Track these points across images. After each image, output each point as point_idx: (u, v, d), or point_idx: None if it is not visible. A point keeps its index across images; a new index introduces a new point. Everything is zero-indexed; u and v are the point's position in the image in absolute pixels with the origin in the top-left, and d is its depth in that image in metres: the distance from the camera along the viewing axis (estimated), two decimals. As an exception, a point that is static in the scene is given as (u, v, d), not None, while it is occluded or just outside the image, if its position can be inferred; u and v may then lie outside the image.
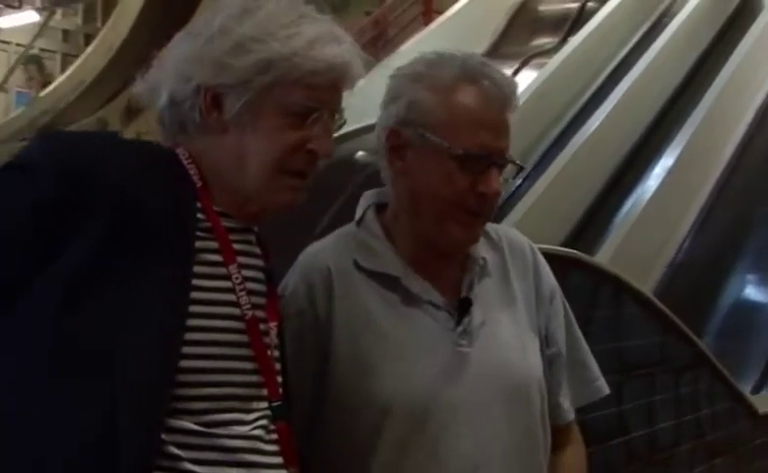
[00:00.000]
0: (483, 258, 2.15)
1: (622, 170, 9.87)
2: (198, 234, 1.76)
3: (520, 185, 9.01)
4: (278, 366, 1.87)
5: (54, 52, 19.39)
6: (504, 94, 2.07)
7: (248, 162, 1.80)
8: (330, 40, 1.83)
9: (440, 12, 15.84)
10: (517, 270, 2.20)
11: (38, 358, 1.62)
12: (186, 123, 1.82)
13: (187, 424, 1.67)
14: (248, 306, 1.79)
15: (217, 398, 1.71)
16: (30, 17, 19.02)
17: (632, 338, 4.72)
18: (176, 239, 1.73)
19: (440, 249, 2.11)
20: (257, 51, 1.77)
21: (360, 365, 2.01)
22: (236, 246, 1.82)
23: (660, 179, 9.02)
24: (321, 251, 2.13)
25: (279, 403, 1.82)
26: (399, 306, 2.06)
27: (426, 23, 15.67)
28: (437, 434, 2.00)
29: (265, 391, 1.80)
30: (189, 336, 1.69)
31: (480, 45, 15.08)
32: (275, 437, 1.81)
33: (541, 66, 11.92)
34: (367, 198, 2.19)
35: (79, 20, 20.05)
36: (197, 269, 1.73)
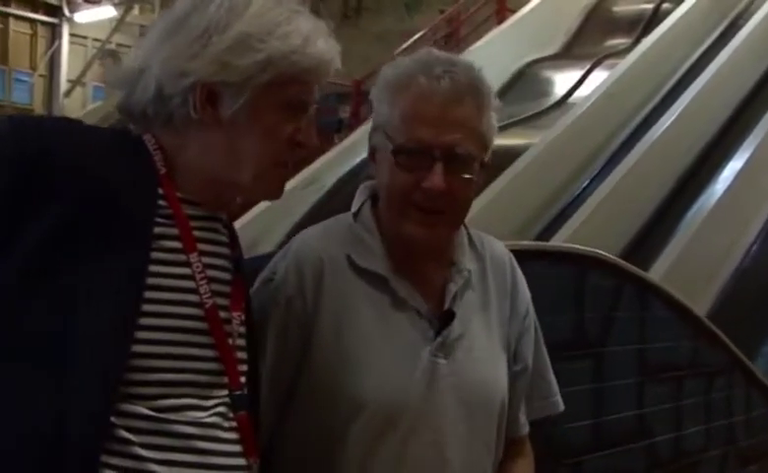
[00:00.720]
0: (469, 270, 2.15)
1: (691, 173, 9.76)
2: (157, 220, 1.76)
3: (587, 186, 9.01)
4: (242, 354, 1.86)
5: (131, 47, 19.60)
6: (449, 88, 2.03)
7: (243, 156, 1.81)
8: (320, 36, 1.85)
9: (514, 11, 15.77)
10: (497, 283, 2.20)
11: None
12: (173, 117, 1.80)
13: (139, 408, 1.67)
14: (208, 295, 1.78)
15: (172, 384, 1.71)
16: (107, 12, 19.31)
17: (658, 340, 4.63)
18: (134, 225, 1.72)
19: (413, 250, 2.09)
20: (259, 50, 1.78)
21: (340, 359, 2.01)
22: (198, 234, 1.81)
23: (729, 183, 8.94)
24: (314, 240, 2.11)
25: (239, 392, 1.81)
26: (384, 308, 2.05)
27: (500, 22, 15.61)
28: (404, 437, 2.01)
29: (226, 379, 1.80)
30: (144, 321, 1.68)
31: (552, 45, 15.06)
32: (234, 424, 1.80)
33: (613, 67, 11.84)
34: (364, 190, 2.18)
35: (156, 15, 20.23)
36: (155, 255, 1.73)
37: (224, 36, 1.77)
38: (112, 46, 19.40)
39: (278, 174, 1.87)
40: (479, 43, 14.13)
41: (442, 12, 17.22)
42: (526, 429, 2.29)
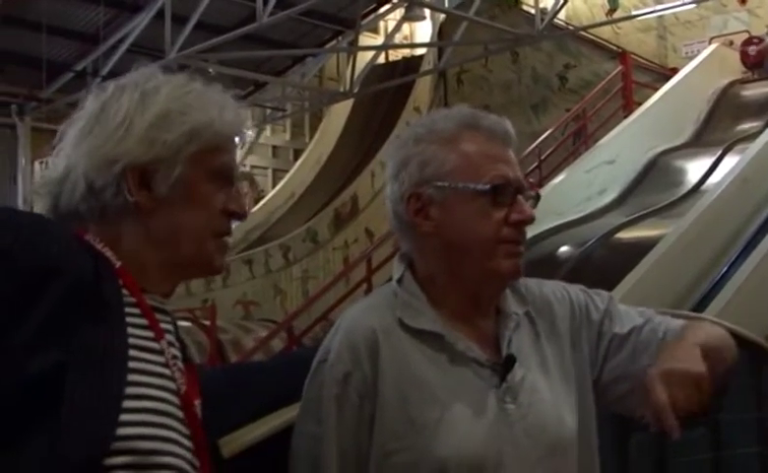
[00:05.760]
0: (516, 313, 2.16)
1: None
2: (126, 310, 1.77)
3: (727, 271, 8.92)
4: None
5: (265, 168, 19.94)
6: (504, 129, 2.14)
7: (182, 232, 1.85)
8: (232, 106, 1.92)
9: (641, 103, 15.76)
10: (543, 322, 2.20)
11: None
12: (107, 210, 1.83)
13: None
14: (182, 381, 1.81)
15: (155, 467, 1.71)
16: (241, 135, 19.72)
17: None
18: (111, 312, 1.74)
19: (487, 295, 2.13)
20: (183, 122, 1.83)
21: (411, 425, 2.00)
22: (161, 325, 1.83)
23: None
24: (363, 313, 2.13)
25: None
26: (444, 365, 2.06)
27: (627, 115, 15.60)
28: None
29: (198, 464, 1.81)
30: (127, 404, 1.68)
31: (682, 134, 14.98)
32: None
33: (744, 151, 11.73)
34: (401, 260, 2.20)
35: (287, 136, 20.65)
36: (131, 341, 1.74)
37: (145, 116, 1.82)
38: (246, 169, 19.80)
39: (217, 246, 1.91)
40: (608, 137, 14.13)
41: (568, 110, 17.29)
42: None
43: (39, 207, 1.92)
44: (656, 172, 13.76)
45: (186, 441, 1.79)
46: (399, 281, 2.16)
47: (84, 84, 15.29)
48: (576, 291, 2.29)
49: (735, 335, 4.06)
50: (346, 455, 2.02)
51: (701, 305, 8.34)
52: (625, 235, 11.34)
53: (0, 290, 1.64)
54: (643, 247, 9.20)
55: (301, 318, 13.22)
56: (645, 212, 12.09)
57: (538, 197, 2.18)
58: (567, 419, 2.12)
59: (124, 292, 1.79)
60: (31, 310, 1.64)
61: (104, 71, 15.00)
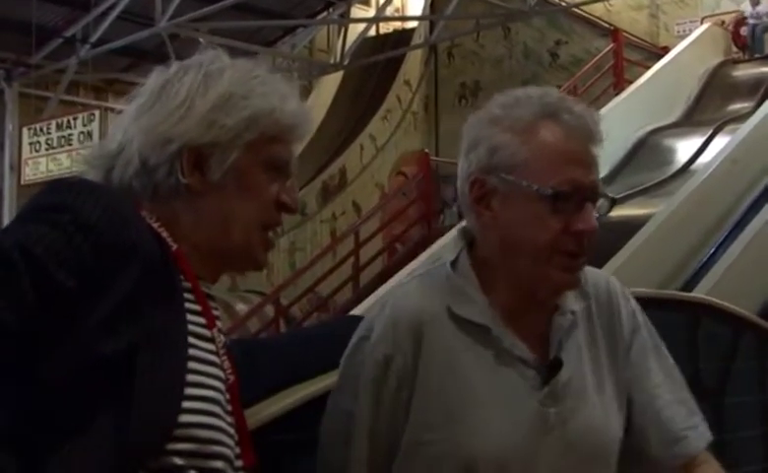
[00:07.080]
0: (573, 312, 2.02)
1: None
2: (184, 295, 1.76)
3: (715, 252, 8.93)
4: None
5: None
6: (587, 124, 1.95)
7: (232, 219, 1.82)
8: (295, 96, 1.88)
9: (632, 81, 15.74)
10: (602, 318, 2.08)
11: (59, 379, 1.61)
12: (159, 188, 1.80)
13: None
14: (230, 371, 1.79)
15: (205, 456, 1.70)
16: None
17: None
18: (172, 297, 1.73)
19: (538, 298, 2.00)
20: (244, 107, 1.80)
21: (447, 416, 1.93)
22: (212, 312, 1.82)
23: None
24: (411, 297, 2.02)
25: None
26: (488, 359, 1.95)
27: (618, 93, 15.58)
28: None
29: (240, 454, 1.80)
30: (187, 391, 1.68)
31: (673, 113, 14.98)
32: None
33: (735, 132, 11.74)
34: (460, 237, 2.07)
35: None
36: (189, 327, 1.73)
37: (207, 98, 1.80)
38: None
39: (264, 239, 1.88)
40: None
41: (559, 87, 17.26)
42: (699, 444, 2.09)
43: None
44: (646, 151, 13.77)
45: (231, 429, 1.78)
46: (453, 263, 2.05)
47: (73, 50, 15.25)
48: (640, 312, 2.17)
49: (739, 317, 4.08)
50: (378, 438, 1.98)
51: (690, 285, 8.36)
52: (614, 213, 11.32)
53: (85, 265, 1.61)
54: (632, 226, 9.23)
55: (288, 290, 13.22)
56: (634, 190, 12.10)
57: (613, 201, 2.04)
58: (614, 425, 2.03)
59: (181, 276, 1.77)
60: (109, 289, 1.63)
61: (94, 38, 14.93)
